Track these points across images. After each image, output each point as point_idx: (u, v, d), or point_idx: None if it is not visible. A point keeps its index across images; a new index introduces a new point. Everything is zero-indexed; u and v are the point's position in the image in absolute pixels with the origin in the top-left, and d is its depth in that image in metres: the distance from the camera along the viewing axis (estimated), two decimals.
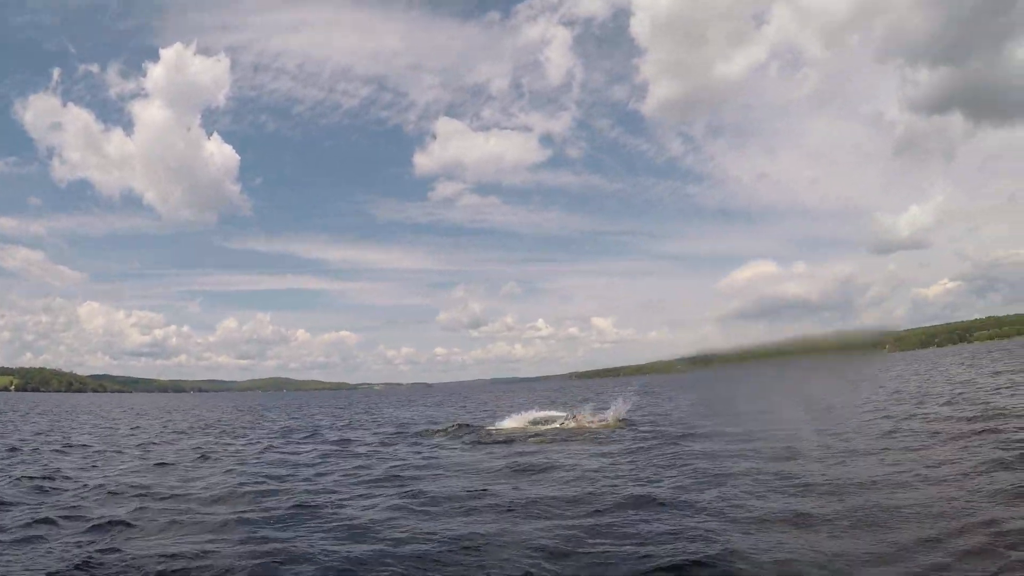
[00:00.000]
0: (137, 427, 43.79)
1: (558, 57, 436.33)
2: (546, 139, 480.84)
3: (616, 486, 14.71)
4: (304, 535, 11.23)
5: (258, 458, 22.78)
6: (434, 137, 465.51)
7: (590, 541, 10.25)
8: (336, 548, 10.24)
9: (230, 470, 19.57)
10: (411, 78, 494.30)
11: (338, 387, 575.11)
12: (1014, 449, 14.67)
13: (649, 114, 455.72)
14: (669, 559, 9.22)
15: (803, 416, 19.48)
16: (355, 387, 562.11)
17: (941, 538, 9.15)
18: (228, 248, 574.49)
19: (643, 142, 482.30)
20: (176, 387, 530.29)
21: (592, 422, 29.33)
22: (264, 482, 17.09)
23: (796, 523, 10.73)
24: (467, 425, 31.44)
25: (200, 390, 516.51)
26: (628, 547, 9.84)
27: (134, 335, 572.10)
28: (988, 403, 24.69)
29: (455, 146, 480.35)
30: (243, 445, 27.67)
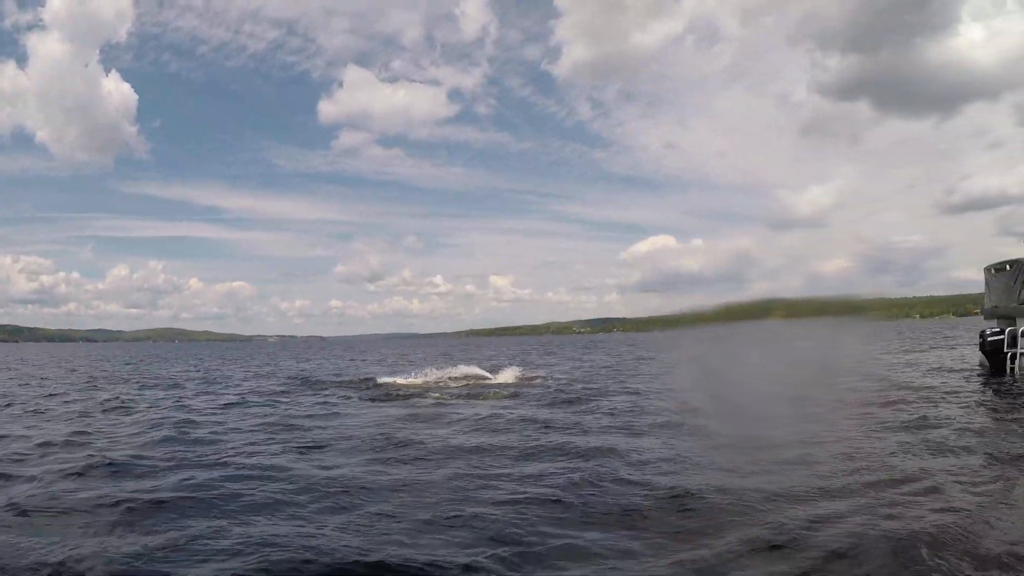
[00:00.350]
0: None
1: (474, 12, 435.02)
2: (455, 94, 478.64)
3: (528, 435, 14.85)
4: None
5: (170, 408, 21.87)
6: (341, 86, 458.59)
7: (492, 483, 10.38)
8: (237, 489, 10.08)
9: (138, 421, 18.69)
10: (322, 23, 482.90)
11: (231, 339, 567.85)
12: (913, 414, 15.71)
13: (561, 76, 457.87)
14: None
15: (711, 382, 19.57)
16: (249, 339, 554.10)
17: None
18: (123, 192, 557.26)
19: (553, 103, 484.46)
20: (64, 336, 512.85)
21: (508, 380, 29.19)
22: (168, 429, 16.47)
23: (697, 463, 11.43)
24: (371, 379, 31.02)
25: (88, 340, 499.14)
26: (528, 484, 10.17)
27: (21, 282, 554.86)
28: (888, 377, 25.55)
29: (362, 96, 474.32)
30: (158, 396, 26.25)
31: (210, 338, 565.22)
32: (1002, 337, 23.79)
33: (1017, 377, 22.42)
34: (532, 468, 11.18)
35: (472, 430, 15.67)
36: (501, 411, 18.87)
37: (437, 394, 23.98)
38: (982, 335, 24.89)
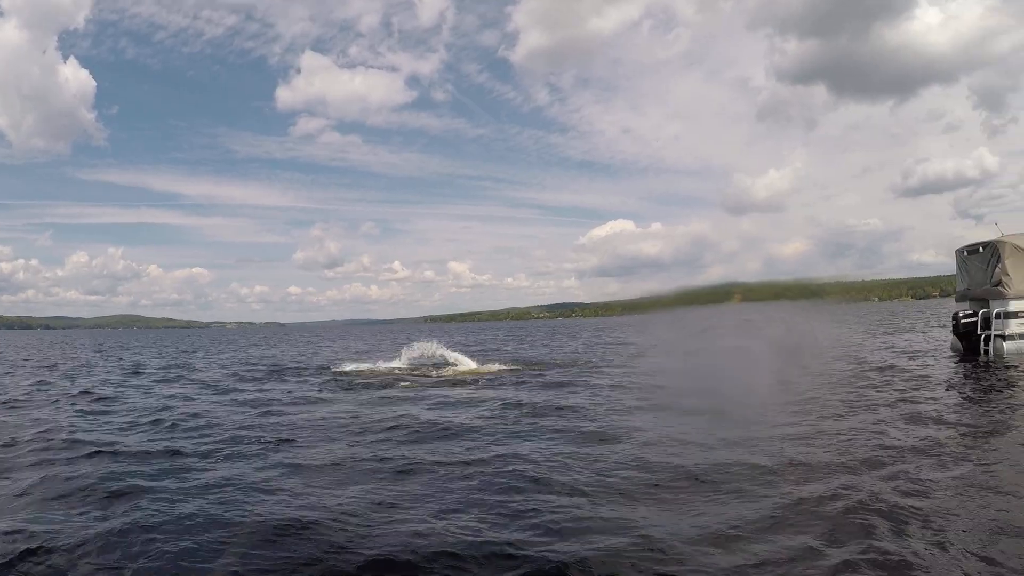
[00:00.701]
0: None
1: None
2: (412, 80, 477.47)
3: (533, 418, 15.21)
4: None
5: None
6: (299, 72, 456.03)
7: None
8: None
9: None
10: (280, 8, 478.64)
11: (189, 325, 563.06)
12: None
13: (518, 62, 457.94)
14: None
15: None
16: (207, 325, 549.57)
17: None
18: (81, 179, 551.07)
19: (510, 89, 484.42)
20: (22, 324, 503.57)
21: (482, 367, 28.75)
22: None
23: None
24: (341, 371, 29.64)
25: (47, 327, 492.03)
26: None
27: None
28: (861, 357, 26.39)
29: (319, 82, 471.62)
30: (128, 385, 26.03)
31: (169, 325, 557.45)
32: (975, 319, 24.14)
33: (991, 358, 22.87)
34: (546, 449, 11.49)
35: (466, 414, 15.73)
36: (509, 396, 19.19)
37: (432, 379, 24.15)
38: (955, 317, 25.26)
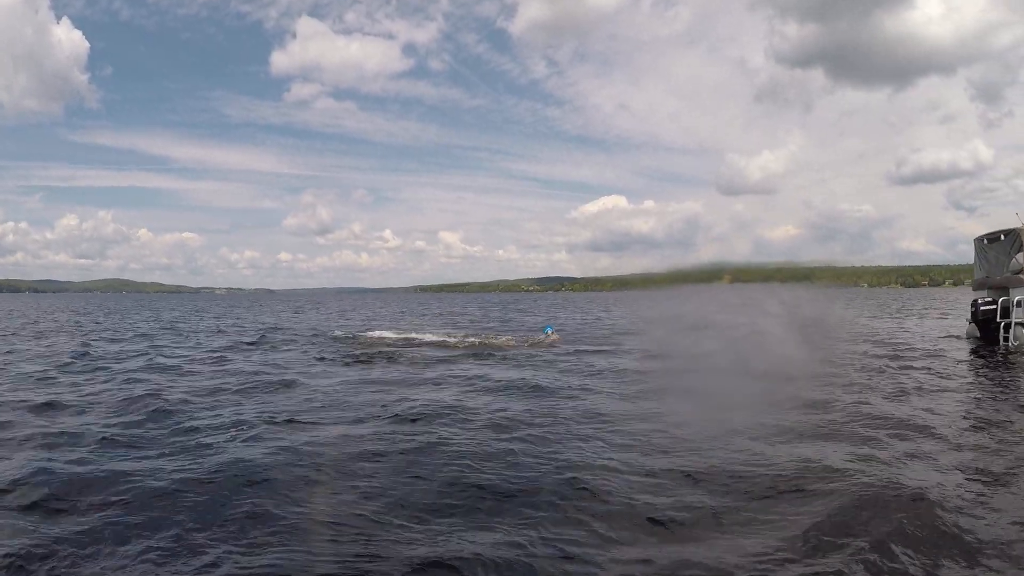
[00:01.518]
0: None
1: None
2: (409, 48, 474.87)
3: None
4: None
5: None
6: (294, 37, 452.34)
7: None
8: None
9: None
10: None
11: (179, 290, 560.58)
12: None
13: (517, 34, 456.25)
14: None
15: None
16: (197, 291, 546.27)
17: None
18: (73, 141, 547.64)
19: (507, 61, 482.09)
20: (11, 287, 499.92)
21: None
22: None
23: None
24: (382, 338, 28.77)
25: (36, 291, 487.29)
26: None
27: None
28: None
29: (315, 48, 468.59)
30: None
31: (159, 290, 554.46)
32: (994, 307, 24.07)
33: (1011, 347, 22.74)
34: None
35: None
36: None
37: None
38: (974, 304, 25.15)
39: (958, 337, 27.40)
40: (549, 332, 27.67)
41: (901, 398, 13.21)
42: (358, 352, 23.02)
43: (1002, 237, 25.33)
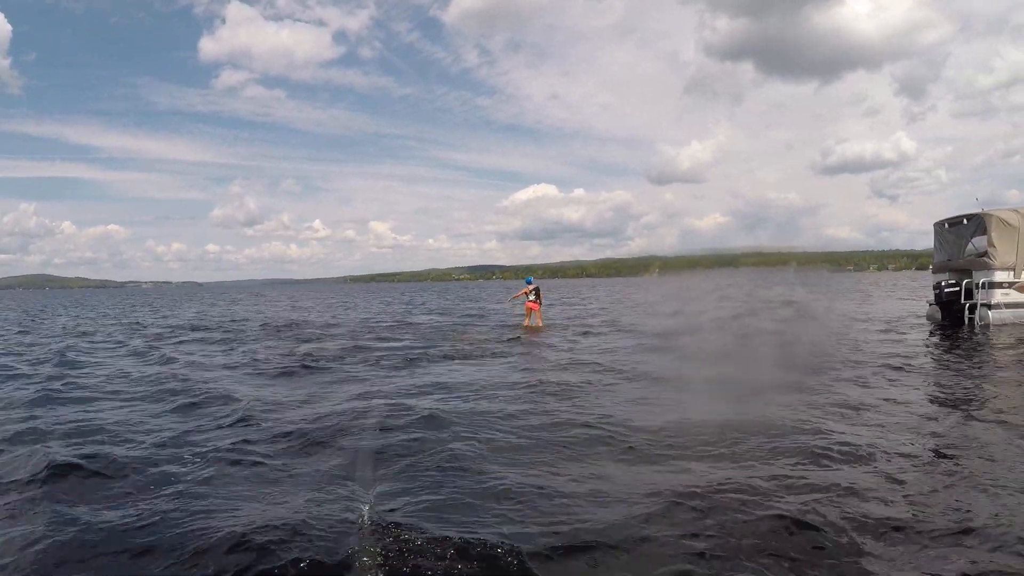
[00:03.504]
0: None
1: None
2: (340, 36, 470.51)
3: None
4: None
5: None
6: (224, 22, 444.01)
7: None
8: None
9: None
10: None
11: (104, 284, 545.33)
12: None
13: (450, 22, 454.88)
14: None
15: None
16: (122, 285, 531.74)
17: None
18: None
19: (439, 50, 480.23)
20: None
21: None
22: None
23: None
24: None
25: None
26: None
27: None
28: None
29: (245, 34, 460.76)
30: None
31: (84, 284, 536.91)
32: (958, 289, 25.01)
33: (977, 327, 23.76)
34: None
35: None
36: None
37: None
38: (938, 287, 25.90)
39: (919, 318, 28.02)
40: (530, 282, 27.52)
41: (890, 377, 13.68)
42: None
43: (964, 221, 26.10)
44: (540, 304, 27.28)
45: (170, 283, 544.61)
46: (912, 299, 35.07)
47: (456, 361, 17.49)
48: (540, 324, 26.99)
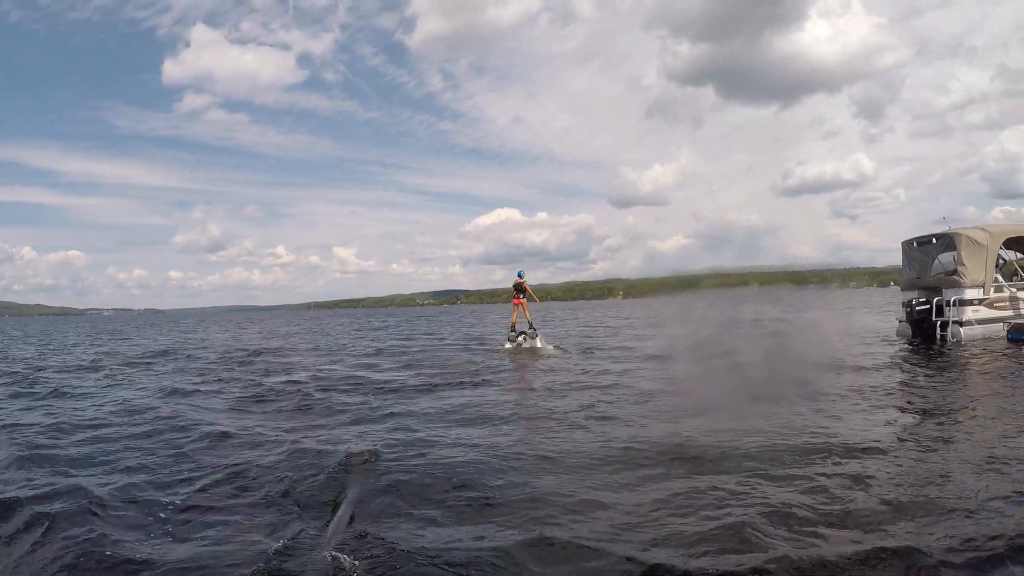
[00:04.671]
0: None
1: None
2: (305, 59, 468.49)
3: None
4: None
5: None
6: (188, 45, 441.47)
7: None
8: None
9: None
10: None
11: (65, 312, 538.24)
12: None
13: (414, 47, 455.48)
14: None
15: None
16: (83, 312, 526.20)
17: None
18: None
19: (404, 74, 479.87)
20: None
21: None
22: None
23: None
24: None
25: None
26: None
27: None
28: None
29: (209, 57, 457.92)
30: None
31: (43, 312, 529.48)
32: (928, 307, 25.23)
33: (949, 343, 23.93)
34: None
35: None
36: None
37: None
38: (909, 305, 26.02)
39: (889, 336, 27.94)
40: (521, 275, 27.44)
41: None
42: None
43: (933, 240, 26.38)
44: (525, 299, 27.15)
45: (132, 310, 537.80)
46: (879, 315, 35.04)
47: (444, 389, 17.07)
48: (528, 319, 27.16)
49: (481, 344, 32.24)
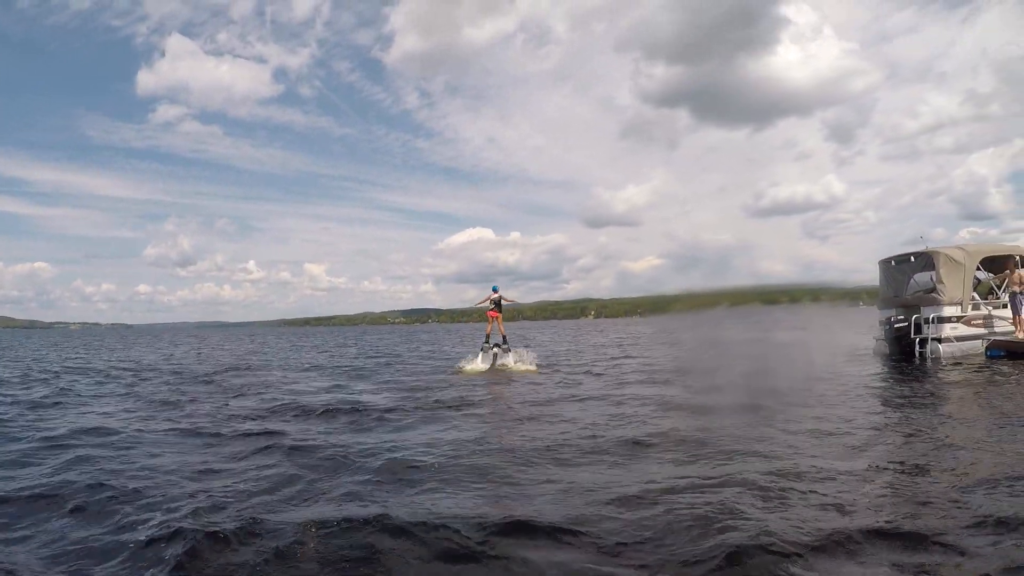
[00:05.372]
0: None
1: None
2: (281, 73, 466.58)
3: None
4: None
5: None
6: (163, 55, 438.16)
7: None
8: None
9: None
10: None
11: (30, 325, 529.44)
12: None
13: (391, 64, 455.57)
14: None
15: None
16: (49, 326, 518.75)
17: None
18: None
19: (380, 91, 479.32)
20: None
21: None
22: None
23: None
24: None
25: None
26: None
27: None
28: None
29: (184, 68, 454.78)
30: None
31: (8, 324, 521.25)
32: (907, 324, 25.44)
33: (928, 360, 23.93)
34: None
35: None
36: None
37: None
38: (888, 322, 26.47)
39: (865, 354, 27.52)
40: (496, 290, 27.31)
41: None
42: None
43: (912, 259, 26.51)
44: (501, 312, 27.05)
45: (99, 325, 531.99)
46: (853, 332, 34.90)
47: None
48: (502, 331, 26.92)
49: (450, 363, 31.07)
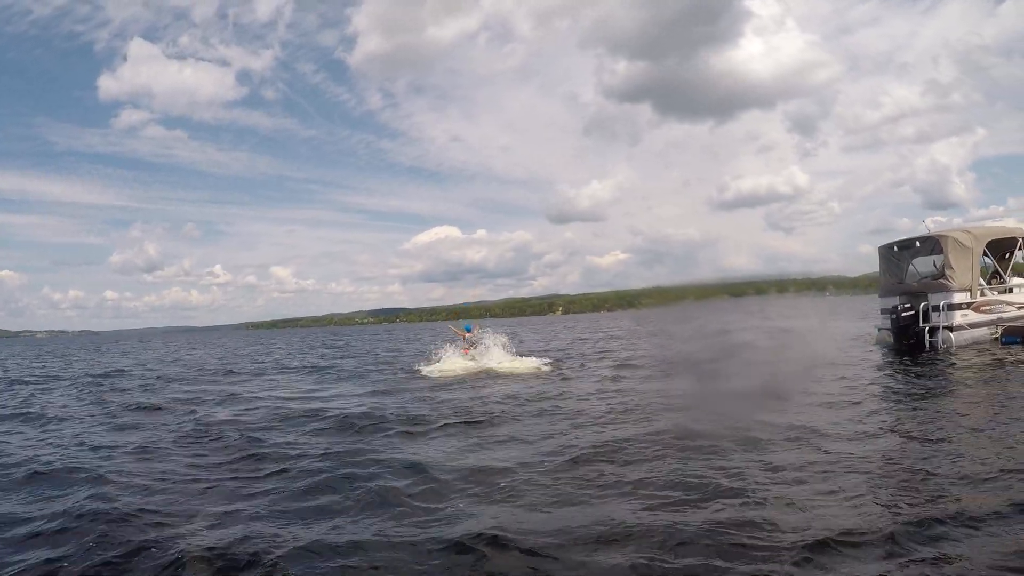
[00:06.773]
0: None
1: None
2: (244, 76, 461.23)
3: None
4: None
5: None
6: (125, 60, 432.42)
7: None
8: None
9: None
10: None
11: None
12: None
13: (354, 65, 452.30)
14: None
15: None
16: (16, 335, 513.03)
17: None
18: None
19: (344, 92, 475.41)
20: None
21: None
22: None
23: None
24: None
25: None
26: None
27: None
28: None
29: (146, 72, 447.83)
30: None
31: None
32: (914, 312, 23.99)
33: (939, 349, 22.74)
34: None
35: None
36: None
37: None
38: (893, 310, 24.79)
39: (867, 342, 27.14)
40: (470, 330, 27.65)
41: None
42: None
43: (917, 244, 25.40)
44: (472, 349, 26.68)
45: (67, 332, 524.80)
46: (844, 322, 33.71)
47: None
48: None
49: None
